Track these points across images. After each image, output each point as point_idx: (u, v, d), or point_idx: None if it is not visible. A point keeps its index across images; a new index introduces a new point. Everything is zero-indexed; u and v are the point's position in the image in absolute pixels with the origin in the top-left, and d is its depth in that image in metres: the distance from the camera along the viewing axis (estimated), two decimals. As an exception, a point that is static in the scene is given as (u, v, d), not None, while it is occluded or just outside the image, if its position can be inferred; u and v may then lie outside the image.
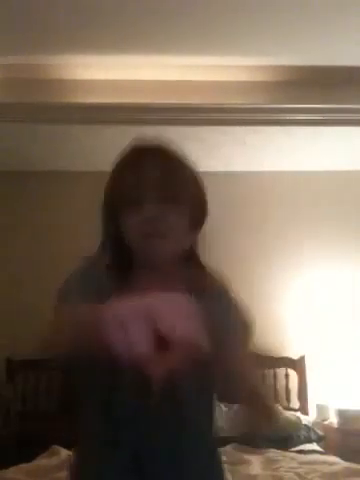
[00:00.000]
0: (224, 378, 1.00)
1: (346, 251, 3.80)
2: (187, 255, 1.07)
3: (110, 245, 1.09)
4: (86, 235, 4.36)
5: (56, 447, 2.62)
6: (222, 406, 3.09)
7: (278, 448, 2.91)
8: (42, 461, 2.49)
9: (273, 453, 2.83)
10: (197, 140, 3.42)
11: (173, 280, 1.01)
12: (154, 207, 1.00)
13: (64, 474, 2.32)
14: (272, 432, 3.00)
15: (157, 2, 2.26)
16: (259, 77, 2.75)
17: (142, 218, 1.00)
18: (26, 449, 2.58)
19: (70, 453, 2.61)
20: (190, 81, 2.77)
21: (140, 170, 1.04)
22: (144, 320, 0.67)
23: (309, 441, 3.11)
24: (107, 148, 3.55)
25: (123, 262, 1.06)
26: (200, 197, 1.09)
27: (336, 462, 2.70)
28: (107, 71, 2.71)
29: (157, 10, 2.31)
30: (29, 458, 2.54)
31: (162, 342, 0.68)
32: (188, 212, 1.03)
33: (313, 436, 3.17)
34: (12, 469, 2.32)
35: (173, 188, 1.02)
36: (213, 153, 3.63)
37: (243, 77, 2.76)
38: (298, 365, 3.60)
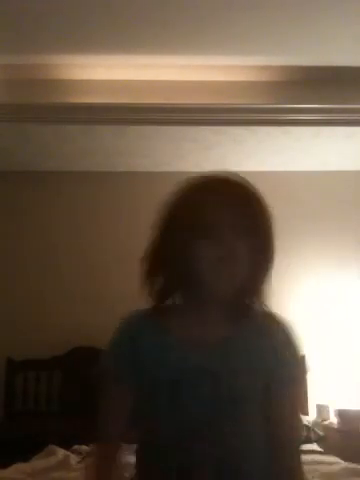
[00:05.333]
0: None
1: (347, 251, 3.80)
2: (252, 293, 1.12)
3: (181, 279, 1.10)
4: (86, 235, 4.38)
5: (53, 447, 2.62)
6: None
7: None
8: (39, 461, 2.50)
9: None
10: (193, 140, 3.42)
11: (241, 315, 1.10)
12: (232, 238, 1.04)
13: (61, 474, 2.32)
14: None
15: (157, 2, 2.26)
16: (259, 77, 2.75)
17: (219, 246, 1.04)
18: (25, 449, 2.58)
19: (67, 453, 2.61)
20: (190, 81, 2.77)
21: (214, 203, 1.06)
22: None
23: (309, 441, 3.11)
24: (106, 148, 3.58)
25: (195, 295, 1.10)
26: (268, 233, 1.11)
27: (336, 462, 2.70)
28: (107, 71, 2.70)
29: (157, 10, 2.30)
30: (28, 458, 2.55)
31: None
32: (257, 246, 1.07)
33: (313, 436, 3.17)
34: (11, 468, 2.32)
35: (250, 222, 1.06)
36: (210, 153, 3.63)
37: (243, 77, 2.76)
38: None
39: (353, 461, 2.70)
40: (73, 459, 2.55)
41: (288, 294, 3.74)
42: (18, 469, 2.33)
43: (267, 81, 2.78)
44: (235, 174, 1.11)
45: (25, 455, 2.55)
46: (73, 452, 2.66)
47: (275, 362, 1.09)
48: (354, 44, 2.54)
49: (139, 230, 4.50)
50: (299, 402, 1.17)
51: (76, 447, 2.72)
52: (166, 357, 1.08)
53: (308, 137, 3.41)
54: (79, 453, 2.66)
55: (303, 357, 1.20)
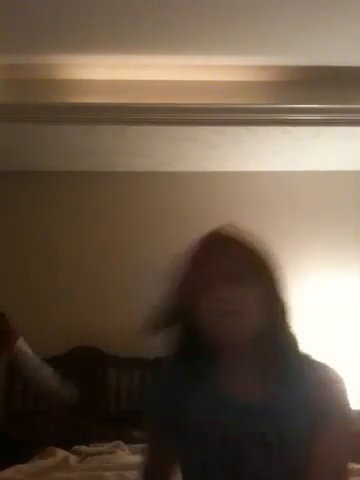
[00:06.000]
0: None
1: (346, 251, 3.80)
2: (266, 336, 1.11)
3: (183, 336, 1.12)
4: (86, 235, 4.35)
5: (52, 448, 2.62)
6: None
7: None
8: (39, 462, 2.49)
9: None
10: (193, 140, 3.42)
11: (253, 361, 1.09)
12: (226, 288, 1.05)
13: (62, 474, 2.32)
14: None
15: (157, 2, 2.26)
16: (259, 77, 2.75)
17: (216, 298, 1.05)
18: (25, 449, 2.58)
19: (66, 453, 2.60)
20: (190, 81, 2.77)
21: (212, 257, 1.10)
22: None
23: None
24: (106, 148, 3.58)
25: (195, 349, 1.10)
26: (271, 277, 1.17)
27: (336, 462, 2.69)
28: (107, 71, 2.70)
29: (157, 10, 2.30)
30: (28, 458, 2.54)
31: None
32: (261, 291, 1.10)
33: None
34: (11, 469, 2.32)
35: (243, 269, 1.08)
36: (210, 153, 3.63)
37: (243, 77, 2.75)
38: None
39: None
40: (73, 460, 2.55)
41: (287, 294, 3.73)
42: (18, 470, 2.33)
43: (267, 81, 2.78)
44: (235, 231, 1.15)
45: (25, 455, 2.54)
46: (73, 453, 2.66)
47: (320, 410, 1.07)
48: (354, 44, 2.54)
49: (139, 230, 4.51)
50: (345, 448, 1.09)
51: (76, 447, 2.72)
52: (215, 415, 1.06)
53: (308, 137, 3.41)
54: (79, 453, 2.66)
55: (348, 404, 1.17)
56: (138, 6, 2.27)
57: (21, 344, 2.79)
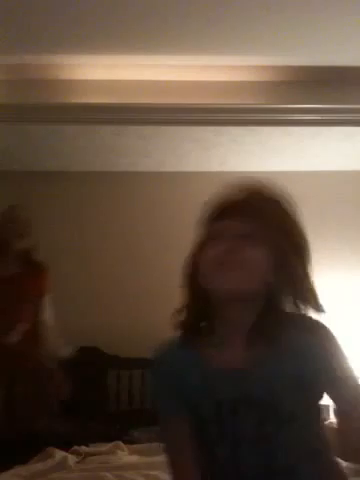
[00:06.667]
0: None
1: (347, 252, 3.80)
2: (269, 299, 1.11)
3: (192, 302, 1.11)
4: (86, 235, 4.35)
5: (51, 448, 2.61)
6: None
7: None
8: (38, 463, 2.49)
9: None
10: (193, 140, 3.42)
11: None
12: (232, 241, 1.04)
13: (60, 475, 2.32)
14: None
15: (157, 2, 2.26)
16: (259, 77, 2.74)
17: (219, 250, 1.04)
18: (24, 449, 2.58)
19: (65, 454, 2.60)
20: (190, 81, 2.77)
21: (225, 206, 1.08)
22: None
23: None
24: (106, 148, 3.58)
25: (202, 313, 1.10)
26: (290, 236, 1.13)
27: (336, 462, 2.69)
28: (107, 71, 2.70)
29: (157, 10, 2.30)
30: (27, 458, 2.54)
31: None
32: (272, 251, 1.07)
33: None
34: (10, 472, 2.31)
35: (255, 222, 1.05)
36: (210, 153, 3.63)
37: (243, 77, 2.75)
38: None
39: (353, 461, 2.69)
40: (72, 460, 2.54)
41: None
42: (16, 473, 2.32)
43: (267, 81, 2.77)
44: (259, 182, 1.13)
45: (25, 455, 2.54)
46: (73, 453, 2.66)
47: (321, 364, 1.13)
48: (354, 44, 2.54)
49: (139, 230, 4.50)
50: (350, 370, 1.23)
51: (76, 448, 2.72)
52: (207, 389, 1.07)
53: (308, 137, 3.41)
54: (79, 454, 2.66)
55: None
56: (138, 6, 2.27)
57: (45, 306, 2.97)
